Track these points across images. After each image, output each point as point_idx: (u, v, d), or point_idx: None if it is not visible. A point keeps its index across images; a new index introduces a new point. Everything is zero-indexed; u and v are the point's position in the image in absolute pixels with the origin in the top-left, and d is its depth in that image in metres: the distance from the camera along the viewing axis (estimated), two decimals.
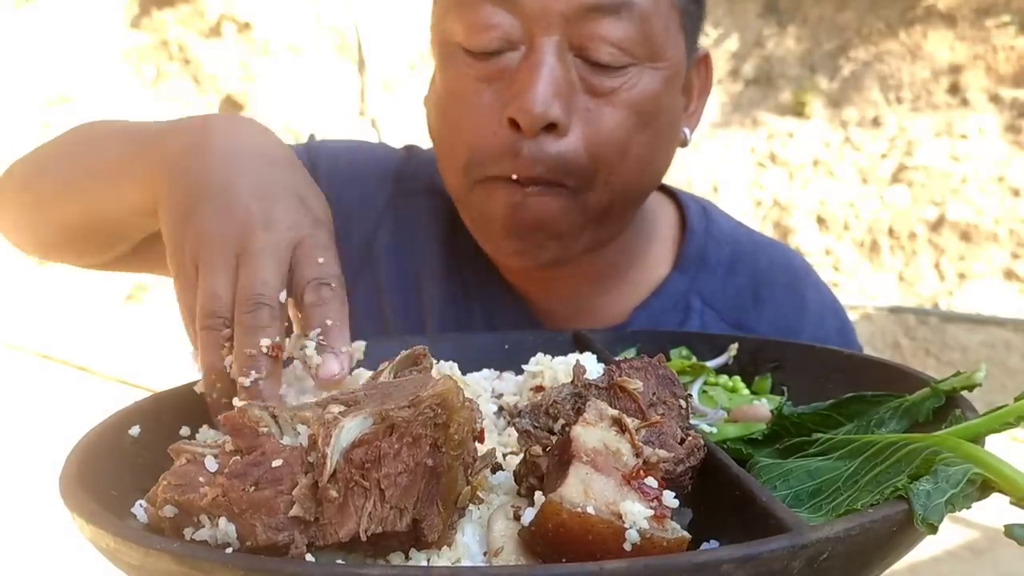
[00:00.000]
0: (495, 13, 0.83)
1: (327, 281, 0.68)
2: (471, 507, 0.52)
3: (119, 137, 0.88)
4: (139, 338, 6.72)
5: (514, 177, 0.84)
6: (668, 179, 1.02)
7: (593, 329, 0.96)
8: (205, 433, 0.68)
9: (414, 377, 0.55)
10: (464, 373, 0.76)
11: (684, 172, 8.36)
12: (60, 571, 3.47)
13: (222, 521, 0.45)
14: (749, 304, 1.07)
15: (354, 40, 9.88)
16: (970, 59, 8.03)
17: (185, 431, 0.68)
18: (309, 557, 0.45)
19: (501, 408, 0.72)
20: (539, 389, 0.72)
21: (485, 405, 0.71)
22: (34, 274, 7.21)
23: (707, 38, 9.41)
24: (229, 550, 0.45)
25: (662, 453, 0.50)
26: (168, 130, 0.81)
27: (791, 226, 7.98)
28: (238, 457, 0.48)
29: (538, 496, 0.45)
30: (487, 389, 0.75)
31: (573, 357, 0.77)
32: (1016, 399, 0.55)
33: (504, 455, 0.62)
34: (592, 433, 0.49)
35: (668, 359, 0.72)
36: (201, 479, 0.47)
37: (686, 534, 0.44)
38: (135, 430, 0.64)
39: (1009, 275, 7.02)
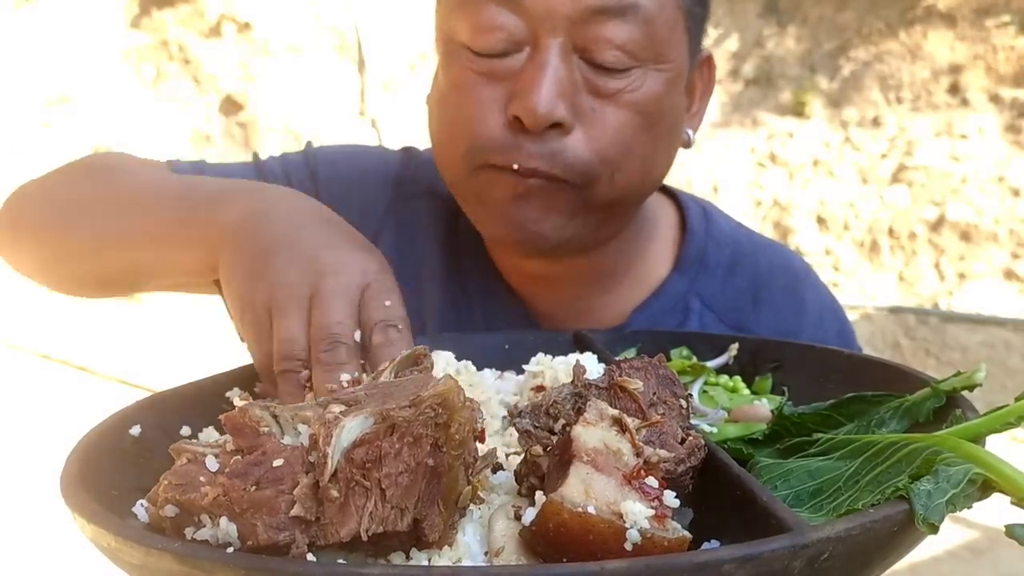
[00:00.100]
0: (500, 14, 0.83)
1: (394, 323, 0.70)
2: (472, 507, 0.52)
3: (158, 198, 0.89)
4: (139, 338, 6.72)
5: (515, 167, 0.84)
6: (668, 179, 1.02)
7: (593, 329, 0.96)
8: (208, 434, 0.68)
9: (415, 377, 0.55)
10: None
11: (684, 172, 8.35)
12: (60, 571, 3.47)
13: (223, 521, 0.45)
14: (748, 306, 1.07)
15: (354, 40, 9.88)
16: (970, 59, 8.02)
17: (186, 431, 0.68)
18: (310, 557, 0.45)
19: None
20: (540, 389, 0.72)
21: (495, 407, 0.72)
22: None
23: (707, 38, 9.44)
24: (230, 550, 0.45)
25: (663, 453, 0.50)
26: (219, 195, 0.83)
27: (791, 226, 7.97)
28: (239, 457, 0.48)
29: (539, 496, 0.45)
30: (496, 390, 0.76)
31: (574, 357, 0.77)
32: (1016, 399, 0.55)
33: (507, 455, 0.62)
34: (593, 433, 0.49)
35: (668, 359, 0.72)
36: (202, 479, 0.47)
37: (687, 534, 0.44)
38: (136, 430, 0.64)
39: (1009, 275, 7.02)
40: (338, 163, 1.10)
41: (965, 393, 0.62)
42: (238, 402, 0.50)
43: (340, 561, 0.46)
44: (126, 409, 0.67)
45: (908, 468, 0.51)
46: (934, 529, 0.45)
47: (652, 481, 0.47)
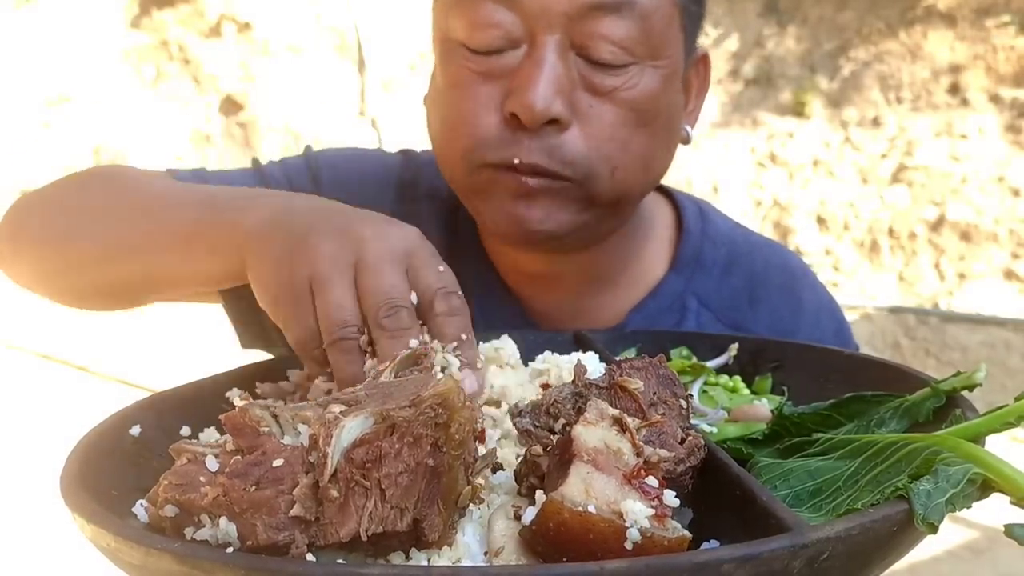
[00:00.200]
0: (496, 11, 0.83)
1: (454, 290, 0.67)
2: (472, 507, 0.52)
3: (176, 205, 0.87)
4: (139, 338, 6.72)
5: (516, 161, 0.84)
6: (668, 179, 1.02)
7: (593, 329, 0.96)
8: (208, 434, 0.68)
9: (415, 377, 0.55)
10: None
11: (684, 172, 8.35)
12: (60, 571, 3.47)
13: (223, 521, 0.45)
14: (745, 305, 1.07)
15: (354, 40, 9.88)
16: (970, 59, 8.03)
17: (186, 431, 0.68)
18: (310, 557, 0.45)
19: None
20: (546, 387, 0.72)
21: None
22: None
23: (707, 38, 9.41)
24: (230, 550, 0.45)
25: (663, 453, 0.50)
26: (241, 201, 0.81)
27: (791, 226, 7.97)
28: (239, 457, 0.48)
29: (539, 495, 0.45)
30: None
31: (574, 357, 0.77)
32: (1016, 399, 0.55)
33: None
34: (593, 432, 0.49)
35: (668, 359, 0.72)
36: (202, 479, 0.47)
37: (687, 533, 0.44)
38: (136, 430, 0.64)
39: (1009, 275, 7.02)
40: (339, 167, 1.10)
41: (965, 393, 0.62)
42: (238, 402, 0.50)
43: (340, 561, 0.46)
44: (126, 409, 0.67)
45: (908, 468, 0.51)
46: (933, 529, 0.45)
47: (652, 481, 0.47)
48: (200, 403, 0.71)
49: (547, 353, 0.77)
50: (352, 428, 0.46)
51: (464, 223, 1.05)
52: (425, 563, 0.48)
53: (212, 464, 0.48)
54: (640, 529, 0.43)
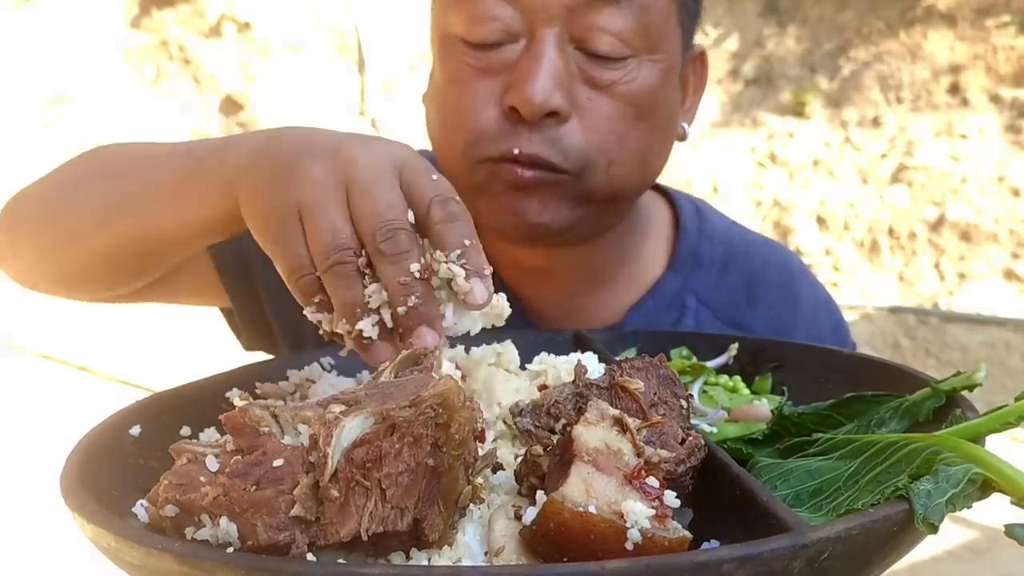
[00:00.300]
0: (496, 5, 0.84)
1: (451, 195, 0.64)
2: (472, 507, 0.52)
3: (162, 159, 0.85)
4: (139, 338, 6.72)
5: (516, 152, 0.84)
6: (668, 179, 1.03)
7: (593, 329, 0.96)
8: (208, 434, 0.68)
9: (415, 377, 0.55)
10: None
11: (684, 172, 8.35)
12: (60, 571, 3.47)
13: (223, 520, 0.45)
14: (743, 302, 1.07)
15: (354, 40, 9.88)
16: (970, 59, 8.02)
17: (186, 431, 0.68)
18: (310, 557, 0.45)
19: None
20: (543, 388, 0.72)
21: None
22: None
23: (707, 38, 9.41)
24: (230, 550, 0.45)
25: (663, 453, 0.50)
26: (224, 143, 0.78)
27: (791, 226, 7.97)
28: (239, 457, 0.48)
29: (540, 495, 0.45)
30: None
31: (575, 357, 0.77)
32: (1016, 399, 0.55)
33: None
34: (593, 433, 0.49)
35: (668, 359, 0.72)
36: (202, 478, 0.47)
37: (687, 533, 0.44)
38: (136, 430, 0.64)
39: (1009, 275, 7.02)
40: None
41: (965, 393, 0.62)
42: (238, 402, 0.50)
43: (340, 561, 0.46)
44: (126, 409, 0.67)
45: (908, 468, 0.51)
46: (934, 529, 0.45)
47: (653, 481, 0.47)
48: (200, 403, 0.71)
49: (543, 354, 0.77)
50: (352, 428, 0.46)
51: None
52: (425, 563, 0.48)
53: (212, 464, 0.48)
54: (641, 530, 0.43)
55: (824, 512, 0.52)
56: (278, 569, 0.40)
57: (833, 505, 0.52)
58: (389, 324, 0.62)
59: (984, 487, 0.48)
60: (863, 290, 7.40)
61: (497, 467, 0.60)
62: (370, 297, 0.61)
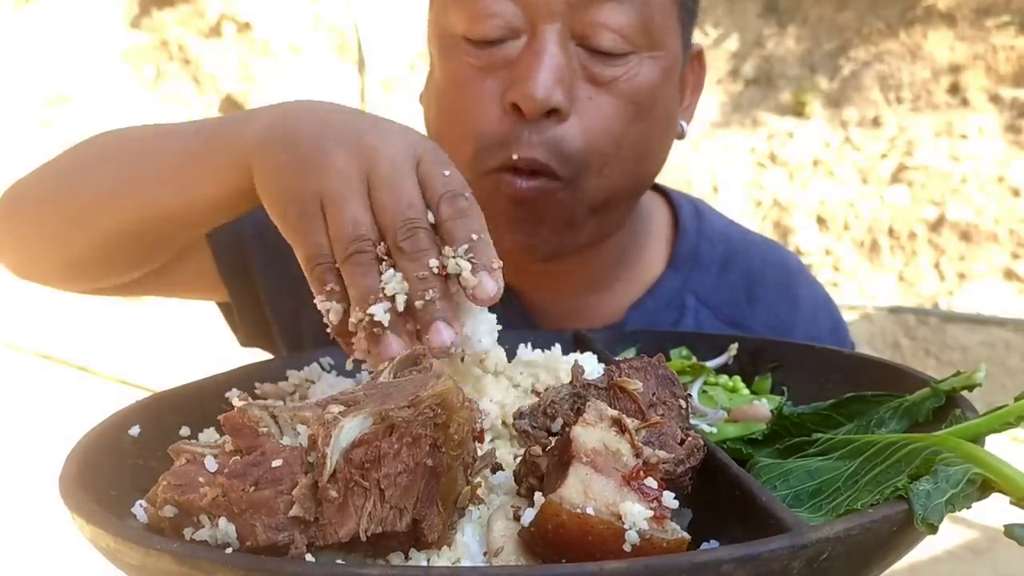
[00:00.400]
0: (497, 1, 0.84)
1: (461, 191, 0.65)
2: (471, 507, 0.52)
3: (163, 139, 0.84)
4: (139, 338, 6.72)
5: (515, 157, 0.84)
6: (668, 179, 1.03)
7: (592, 329, 0.96)
8: (207, 434, 0.68)
9: (414, 377, 0.55)
10: None
11: (684, 172, 8.36)
12: (60, 571, 3.47)
13: (222, 521, 0.45)
14: (743, 302, 1.07)
15: (354, 40, 9.88)
16: (970, 59, 8.03)
17: (185, 431, 0.68)
18: (309, 557, 0.45)
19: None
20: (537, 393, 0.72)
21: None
22: None
23: (707, 38, 9.41)
24: (229, 550, 0.45)
25: (662, 454, 0.50)
26: (234, 120, 0.78)
27: (791, 226, 7.98)
28: (238, 457, 0.48)
29: (538, 496, 0.45)
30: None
31: (573, 357, 0.77)
32: (1016, 399, 0.55)
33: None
34: (592, 433, 0.49)
35: (668, 359, 0.72)
36: (201, 479, 0.47)
37: (686, 535, 0.44)
38: (135, 430, 0.64)
39: (1009, 275, 7.02)
40: None
41: (965, 393, 0.62)
42: (237, 402, 0.50)
43: (339, 561, 0.46)
44: (126, 409, 0.67)
45: (907, 468, 0.51)
46: (933, 529, 0.45)
47: (651, 482, 0.47)
48: (200, 403, 0.71)
49: (545, 353, 0.77)
50: (351, 428, 0.46)
51: None
52: (424, 563, 0.48)
53: (211, 464, 0.48)
54: (639, 531, 0.43)
55: (824, 512, 0.52)
56: (277, 569, 0.40)
57: (833, 505, 0.52)
58: (400, 308, 0.62)
59: (984, 487, 0.48)
60: (863, 290, 7.40)
61: (496, 467, 0.60)
62: (385, 284, 0.62)
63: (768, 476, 0.58)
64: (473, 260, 0.63)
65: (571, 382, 0.59)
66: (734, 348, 0.86)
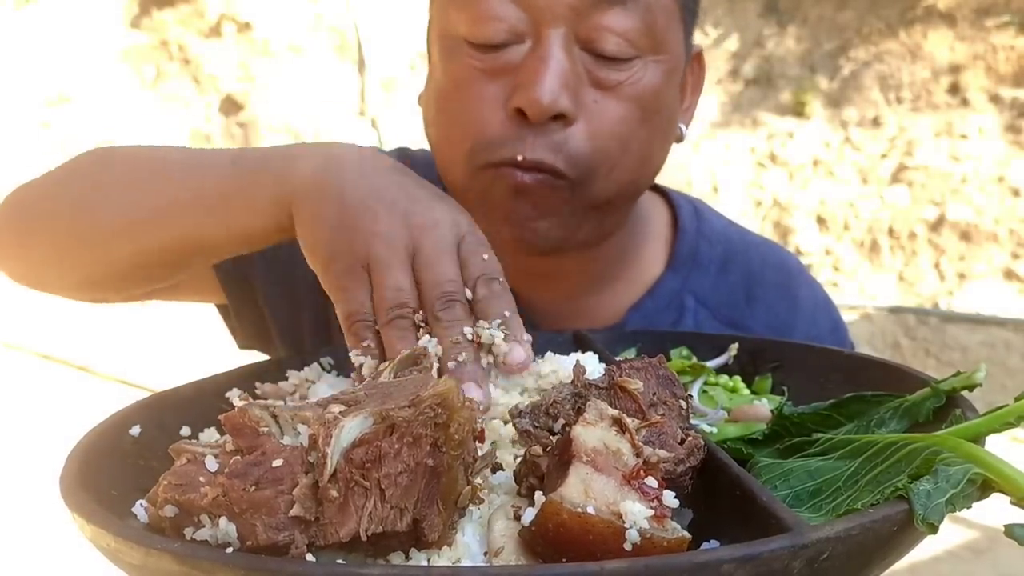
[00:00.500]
0: (500, 5, 0.83)
1: (495, 276, 0.71)
2: (471, 507, 0.52)
3: (203, 169, 0.85)
4: (139, 338, 6.72)
5: (519, 158, 0.84)
6: (668, 179, 1.03)
7: (593, 329, 0.96)
8: (208, 434, 0.68)
9: (414, 377, 0.55)
10: None
11: (684, 172, 8.36)
12: (60, 571, 3.47)
13: (222, 521, 0.45)
14: (742, 302, 1.07)
15: (354, 40, 9.89)
16: (970, 59, 8.03)
17: (186, 431, 0.68)
18: (309, 557, 0.45)
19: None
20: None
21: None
22: None
23: (707, 38, 9.40)
24: (229, 550, 0.45)
25: (662, 453, 0.50)
26: (282, 155, 0.80)
27: (791, 226, 7.98)
28: (238, 457, 0.48)
29: (538, 496, 0.45)
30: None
31: (574, 357, 0.77)
32: (1016, 399, 0.55)
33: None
34: (592, 433, 0.49)
35: (668, 359, 0.72)
36: (201, 479, 0.47)
37: (686, 534, 0.44)
38: (135, 430, 0.64)
39: (1009, 275, 7.02)
40: None
41: (965, 393, 0.62)
42: (238, 402, 0.50)
43: (339, 561, 0.46)
44: (126, 409, 0.67)
45: (908, 468, 0.51)
46: (933, 529, 0.45)
47: (652, 481, 0.47)
48: (200, 403, 0.71)
49: (549, 354, 0.77)
50: (351, 428, 0.46)
51: None
52: (425, 563, 0.48)
53: (212, 464, 0.48)
54: (639, 530, 0.43)
55: (824, 512, 0.52)
56: (277, 569, 0.40)
57: (833, 505, 0.52)
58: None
59: (984, 487, 0.48)
60: (863, 290, 7.40)
61: (496, 467, 0.60)
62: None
63: (768, 476, 0.58)
64: (505, 331, 0.68)
65: (572, 382, 0.59)
66: (734, 348, 0.86)
